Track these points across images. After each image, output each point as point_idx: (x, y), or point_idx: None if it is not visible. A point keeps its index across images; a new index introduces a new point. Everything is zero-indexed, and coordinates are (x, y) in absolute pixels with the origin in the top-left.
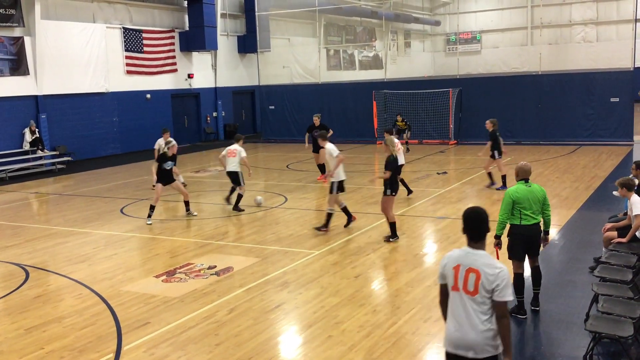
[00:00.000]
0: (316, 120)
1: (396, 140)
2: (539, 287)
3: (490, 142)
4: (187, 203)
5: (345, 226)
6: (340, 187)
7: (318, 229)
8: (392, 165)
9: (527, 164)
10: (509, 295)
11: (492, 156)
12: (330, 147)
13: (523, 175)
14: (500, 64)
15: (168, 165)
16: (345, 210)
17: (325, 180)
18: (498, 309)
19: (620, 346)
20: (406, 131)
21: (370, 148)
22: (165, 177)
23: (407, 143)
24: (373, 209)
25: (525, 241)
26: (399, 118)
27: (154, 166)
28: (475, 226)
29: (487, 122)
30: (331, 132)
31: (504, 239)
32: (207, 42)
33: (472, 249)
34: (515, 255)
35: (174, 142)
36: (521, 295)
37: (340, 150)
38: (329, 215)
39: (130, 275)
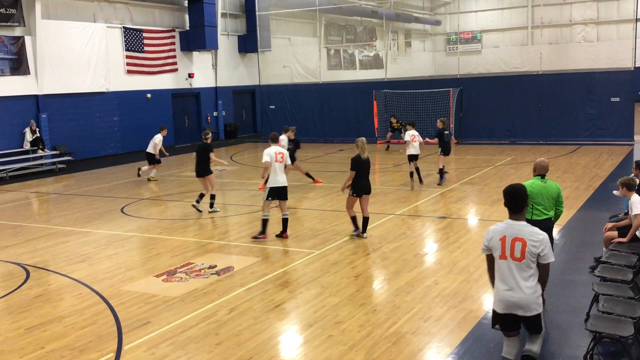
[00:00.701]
0: (290, 134)
1: (413, 132)
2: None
3: (437, 140)
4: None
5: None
6: (274, 193)
7: (255, 237)
8: (356, 165)
9: (545, 160)
10: (551, 257)
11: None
12: (264, 152)
13: (540, 171)
14: (501, 64)
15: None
16: (264, 222)
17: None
18: (543, 269)
19: (620, 346)
20: (402, 131)
21: (371, 148)
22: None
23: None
24: (372, 209)
25: None
26: (393, 120)
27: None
28: (514, 201)
29: (438, 120)
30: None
31: None
32: (208, 42)
33: (514, 221)
34: None
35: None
36: None
37: (340, 150)
38: (264, 222)
39: (130, 274)
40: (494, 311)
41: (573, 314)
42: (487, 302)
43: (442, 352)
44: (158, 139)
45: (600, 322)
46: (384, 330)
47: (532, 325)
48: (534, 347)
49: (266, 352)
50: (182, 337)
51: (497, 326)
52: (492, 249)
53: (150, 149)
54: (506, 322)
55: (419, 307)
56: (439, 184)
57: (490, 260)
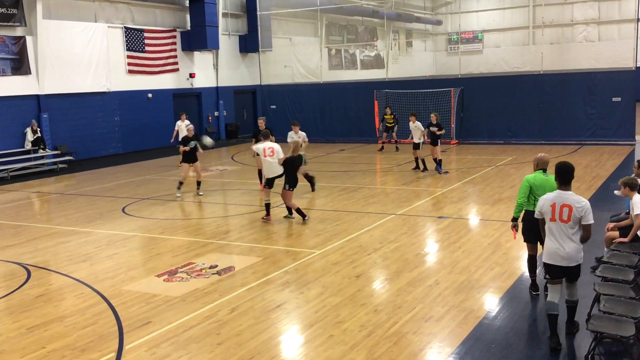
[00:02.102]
0: (261, 124)
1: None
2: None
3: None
4: (198, 183)
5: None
6: (271, 182)
7: (263, 218)
8: (289, 163)
9: (546, 156)
10: (591, 220)
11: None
12: (256, 146)
13: (541, 166)
14: (502, 64)
15: (191, 144)
16: (267, 206)
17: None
18: (585, 229)
19: (622, 346)
20: (394, 128)
21: (372, 147)
22: (189, 157)
23: (396, 142)
24: (374, 208)
25: (537, 226)
26: (388, 111)
27: (181, 147)
28: (564, 175)
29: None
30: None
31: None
32: (209, 42)
33: (563, 191)
34: (529, 239)
35: (191, 125)
36: (534, 275)
37: (342, 150)
38: (267, 206)
39: (131, 274)
40: (544, 263)
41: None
42: (488, 302)
43: (443, 352)
44: (177, 125)
45: (602, 322)
46: (385, 330)
47: (573, 273)
48: (574, 295)
49: (267, 352)
50: (183, 337)
51: (547, 276)
52: (544, 213)
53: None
54: (554, 271)
55: (420, 307)
56: (445, 172)
57: (542, 222)
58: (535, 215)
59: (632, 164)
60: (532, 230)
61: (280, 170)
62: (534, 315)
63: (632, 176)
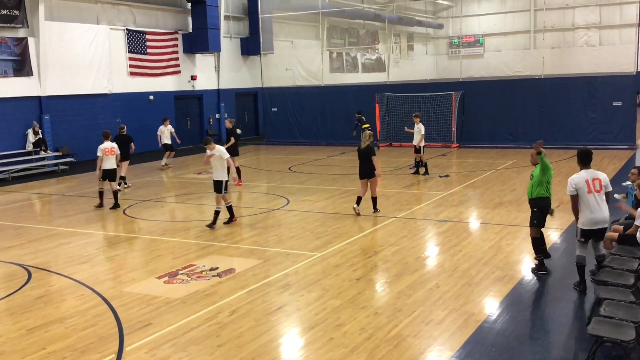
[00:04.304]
0: (228, 124)
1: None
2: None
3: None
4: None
5: (225, 223)
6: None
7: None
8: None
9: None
10: (610, 187)
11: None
12: (225, 151)
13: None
14: (503, 68)
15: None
16: (229, 209)
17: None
18: (607, 196)
19: (622, 350)
20: (362, 130)
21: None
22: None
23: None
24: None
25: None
26: (361, 117)
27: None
28: (586, 156)
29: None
30: (232, 141)
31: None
32: (210, 44)
33: (588, 169)
34: (540, 223)
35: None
36: (540, 255)
37: (342, 153)
38: (217, 213)
39: (132, 276)
40: (582, 230)
41: (574, 318)
42: (488, 306)
43: (443, 355)
44: (160, 130)
45: (602, 326)
46: (385, 333)
47: (603, 233)
48: (600, 251)
49: (267, 354)
50: (183, 339)
51: (582, 239)
52: (580, 189)
53: (167, 140)
54: (587, 235)
55: (421, 311)
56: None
57: (575, 199)
58: (569, 192)
59: (632, 169)
60: (544, 215)
61: (223, 176)
62: (534, 318)
63: None
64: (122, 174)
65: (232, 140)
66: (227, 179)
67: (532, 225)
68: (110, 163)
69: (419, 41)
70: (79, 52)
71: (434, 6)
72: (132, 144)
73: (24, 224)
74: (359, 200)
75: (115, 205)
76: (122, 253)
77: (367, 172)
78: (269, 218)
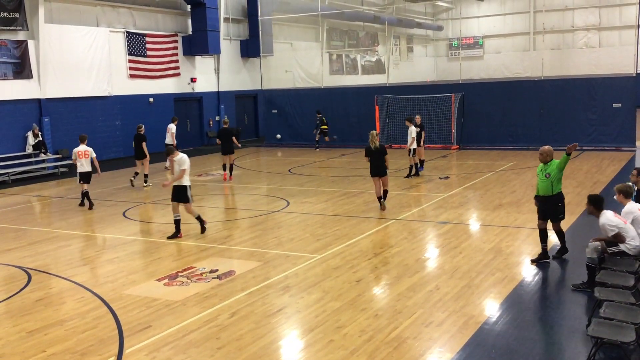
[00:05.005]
0: (225, 123)
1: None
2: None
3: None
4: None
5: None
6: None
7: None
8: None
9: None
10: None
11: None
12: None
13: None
14: (503, 69)
15: None
16: (199, 219)
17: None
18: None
19: (622, 352)
20: (326, 132)
21: None
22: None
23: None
24: (375, 213)
25: (552, 205)
26: (322, 117)
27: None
28: (600, 202)
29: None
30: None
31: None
32: (210, 46)
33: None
34: (544, 217)
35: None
36: (545, 244)
37: (342, 155)
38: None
39: (132, 278)
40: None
41: (574, 320)
42: (488, 308)
43: (443, 357)
44: (174, 128)
45: (602, 327)
46: (385, 335)
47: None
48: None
49: (267, 356)
50: (183, 341)
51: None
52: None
53: (168, 139)
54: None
55: (421, 312)
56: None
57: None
58: (612, 234)
59: (632, 170)
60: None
61: (182, 182)
62: (534, 320)
63: (627, 183)
64: (145, 172)
65: (234, 138)
66: (189, 184)
67: (560, 220)
68: (83, 166)
69: (419, 43)
70: (78, 54)
71: (433, 8)
72: (144, 143)
73: (23, 227)
74: (379, 199)
75: (81, 204)
76: (122, 255)
77: (380, 170)
78: (269, 220)
